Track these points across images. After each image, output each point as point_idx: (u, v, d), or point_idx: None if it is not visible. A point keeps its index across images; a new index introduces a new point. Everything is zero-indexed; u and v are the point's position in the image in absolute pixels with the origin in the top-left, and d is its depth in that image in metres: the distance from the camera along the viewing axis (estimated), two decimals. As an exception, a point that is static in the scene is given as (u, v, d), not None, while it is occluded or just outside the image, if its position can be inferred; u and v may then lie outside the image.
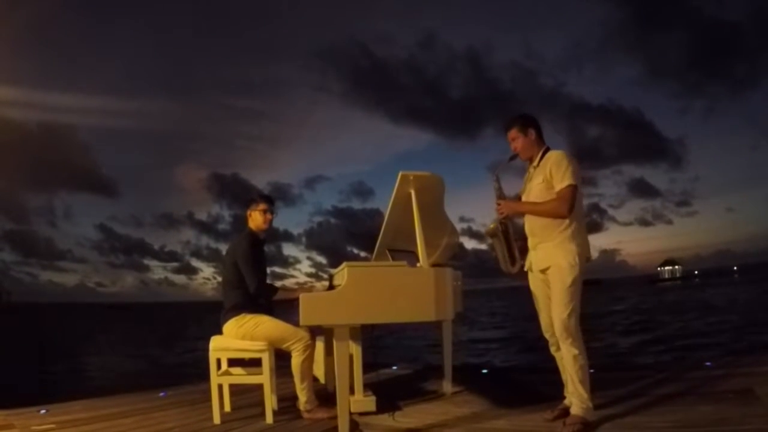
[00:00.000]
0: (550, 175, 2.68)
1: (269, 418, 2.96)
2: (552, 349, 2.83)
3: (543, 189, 2.71)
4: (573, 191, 2.62)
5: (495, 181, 2.91)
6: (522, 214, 2.85)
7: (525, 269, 2.87)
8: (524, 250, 2.88)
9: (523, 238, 2.88)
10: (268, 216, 3.26)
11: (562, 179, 2.63)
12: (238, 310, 3.07)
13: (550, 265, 2.67)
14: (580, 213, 2.73)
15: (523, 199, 2.89)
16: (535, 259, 2.79)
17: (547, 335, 2.82)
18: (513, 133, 2.84)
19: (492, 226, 2.89)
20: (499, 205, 2.86)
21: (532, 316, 2.91)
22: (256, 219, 3.25)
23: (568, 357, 2.60)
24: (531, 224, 2.80)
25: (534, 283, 2.83)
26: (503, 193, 2.90)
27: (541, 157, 2.78)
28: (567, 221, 2.65)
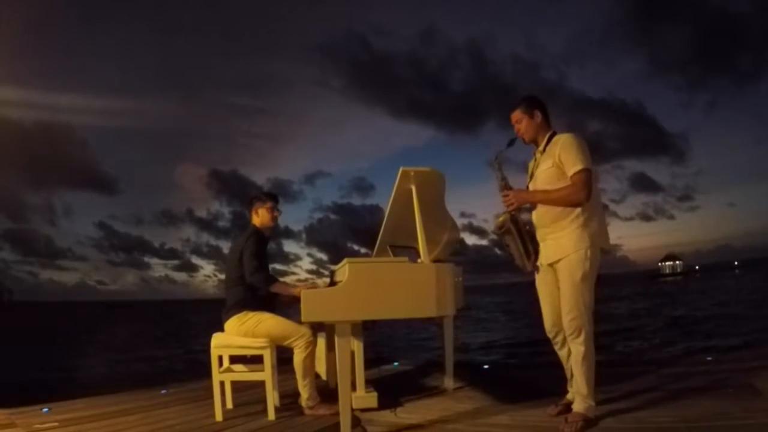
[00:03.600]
0: (559, 159, 2.51)
1: (271, 415, 2.97)
2: (556, 347, 2.72)
3: (552, 174, 2.54)
4: (588, 175, 2.46)
5: (497, 170, 2.69)
6: (533, 204, 2.64)
7: (539, 263, 2.69)
8: (538, 242, 2.68)
9: (533, 230, 2.69)
10: (275, 213, 3.28)
11: (574, 163, 2.46)
12: (240, 307, 3.07)
13: (560, 257, 2.52)
14: (596, 197, 2.54)
15: (530, 187, 2.68)
16: (544, 252, 2.64)
17: (550, 334, 2.69)
18: (518, 114, 2.67)
19: (501, 219, 2.65)
20: (506, 196, 2.63)
21: (535, 312, 2.82)
22: (263, 216, 3.25)
23: (575, 355, 2.50)
24: (540, 214, 2.61)
25: (541, 277, 2.68)
26: (508, 183, 2.68)
27: (548, 142, 2.62)
28: (580, 207, 2.48)
